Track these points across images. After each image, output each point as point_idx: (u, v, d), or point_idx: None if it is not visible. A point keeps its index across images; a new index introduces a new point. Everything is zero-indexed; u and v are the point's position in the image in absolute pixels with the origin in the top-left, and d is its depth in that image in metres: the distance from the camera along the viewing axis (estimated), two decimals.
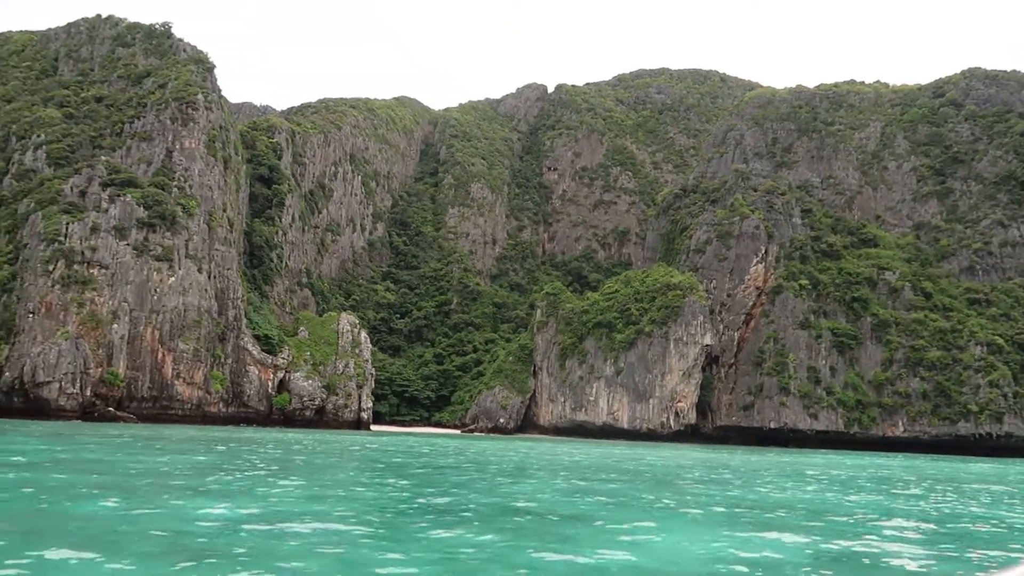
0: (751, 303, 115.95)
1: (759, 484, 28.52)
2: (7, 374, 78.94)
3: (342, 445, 49.18)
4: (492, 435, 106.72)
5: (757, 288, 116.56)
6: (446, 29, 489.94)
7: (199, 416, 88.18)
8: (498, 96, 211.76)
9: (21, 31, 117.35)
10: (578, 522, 15.44)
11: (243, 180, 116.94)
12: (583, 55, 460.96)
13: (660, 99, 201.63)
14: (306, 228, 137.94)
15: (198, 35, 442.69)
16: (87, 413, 78.64)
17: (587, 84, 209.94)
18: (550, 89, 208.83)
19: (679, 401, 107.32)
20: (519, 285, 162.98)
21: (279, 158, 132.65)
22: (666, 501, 21.12)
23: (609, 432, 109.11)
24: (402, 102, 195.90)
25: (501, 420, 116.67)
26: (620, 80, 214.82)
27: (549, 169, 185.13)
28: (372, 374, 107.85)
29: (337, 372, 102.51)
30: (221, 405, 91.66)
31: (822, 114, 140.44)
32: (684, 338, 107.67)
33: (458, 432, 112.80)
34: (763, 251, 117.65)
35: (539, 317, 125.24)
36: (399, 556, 10.66)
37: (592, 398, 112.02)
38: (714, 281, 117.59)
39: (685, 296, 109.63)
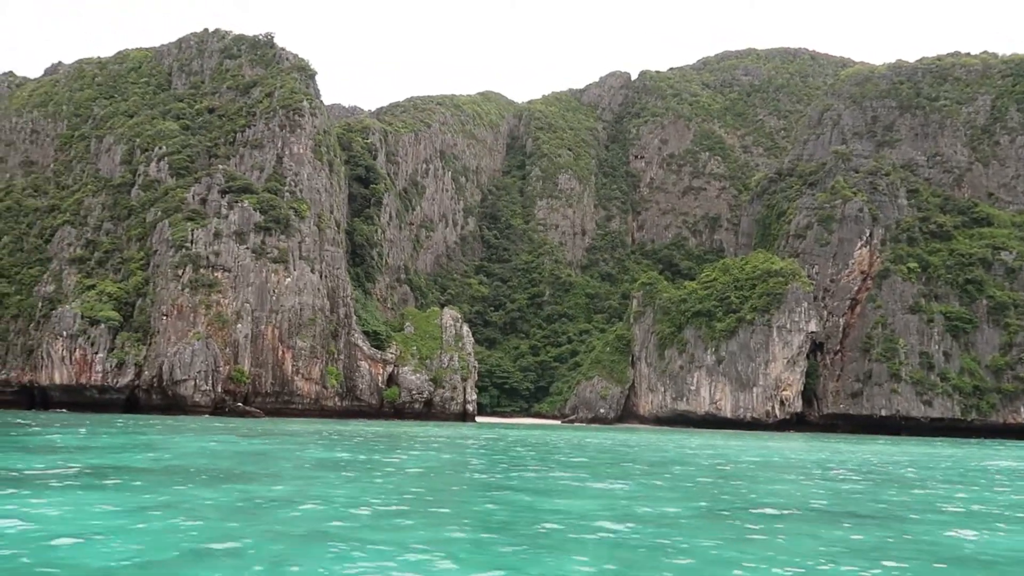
0: (856, 288, 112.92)
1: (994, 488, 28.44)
2: (146, 373, 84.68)
3: (538, 439, 49.94)
4: (593, 425, 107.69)
5: (862, 272, 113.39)
6: (527, 21, 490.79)
7: (317, 410, 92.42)
8: (581, 86, 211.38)
9: (137, 49, 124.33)
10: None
11: (343, 181, 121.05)
12: (665, 40, 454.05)
13: (747, 81, 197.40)
14: (402, 225, 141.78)
15: (298, 42, 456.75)
16: (218, 408, 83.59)
17: (671, 69, 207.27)
18: (633, 76, 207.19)
19: (784, 389, 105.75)
20: (610, 275, 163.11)
21: (374, 158, 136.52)
22: None
23: (712, 422, 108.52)
24: (487, 97, 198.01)
25: (601, 410, 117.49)
26: (705, 63, 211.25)
27: (636, 157, 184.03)
28: (475, 367, 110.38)
29: (442, 366, 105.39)
30: (336, 399, 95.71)
31: (925, 89, 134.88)
32: (788, 325, 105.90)
33: (558, 423, 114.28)
34: (867, 234, 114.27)
35: (635, 307, 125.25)
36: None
37: (693, 387, 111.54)
38: (816, 266, 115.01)
39: (787, 283, 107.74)
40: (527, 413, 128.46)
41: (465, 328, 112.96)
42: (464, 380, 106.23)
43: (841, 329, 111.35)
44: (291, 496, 17.43)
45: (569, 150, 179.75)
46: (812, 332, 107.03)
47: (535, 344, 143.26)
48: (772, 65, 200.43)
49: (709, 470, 29.76)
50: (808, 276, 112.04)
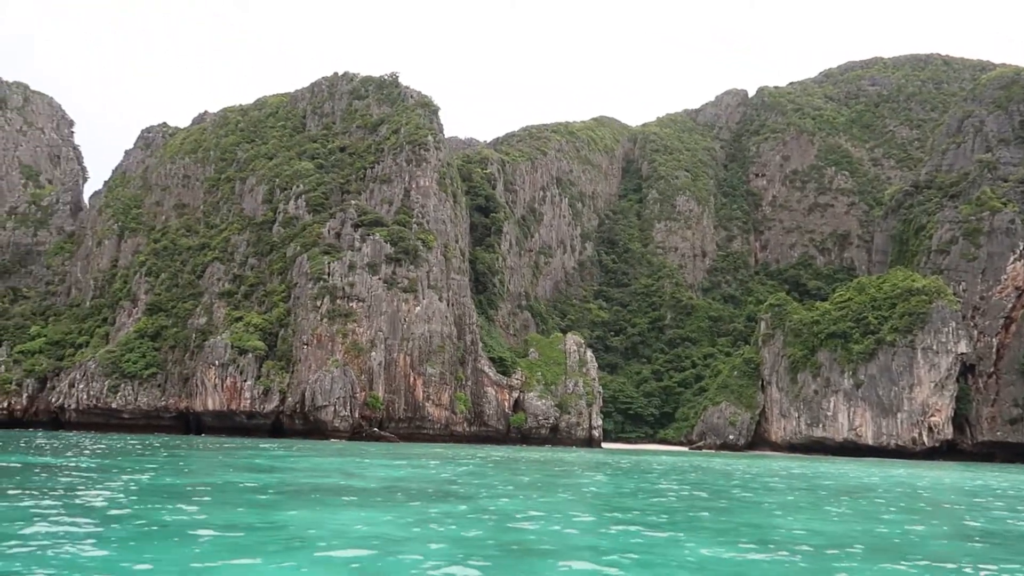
0: (1010, 305, 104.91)
1: None
2: (289, 399, 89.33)
3: (704, 466, 49.59)
4: (724, 452, 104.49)
5: (1016, 288, 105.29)
6: (638, 46, 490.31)
7: (447, 435, 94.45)
8: (696, 106, 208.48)
9: (274, 95, 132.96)
10: None
11: (464, 211, 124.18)
12: (783, 55, 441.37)
13: (874, 91, 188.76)
14: (521, 252, 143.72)
15: (418, 78, 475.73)
16: (355, 433, 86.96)
17: (791, 84, 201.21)
18: (751, 93, 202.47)
19: (932, 415, 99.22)
20: (733, 297, 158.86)
21: (493, 188, 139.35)
22: None
23: (851, 449, 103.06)
24: (601, 122, 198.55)
25: (730, 436, 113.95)
26: (827, 76, 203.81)
27: (756, 175, 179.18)
28: (600, 392, 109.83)
29: (567, 391, 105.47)
30: (465, 424, 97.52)
31: None
32: (934, 346, 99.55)
33: (686, 449, 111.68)
34: (1021, 247, 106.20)
35: (764, 329, 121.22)
36: None
37: (830, 413, 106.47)
38: (963, 283, 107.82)
39: (931, 301, 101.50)
40: (652, 439, 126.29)
41: (589, 353, 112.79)
42: (589, 406, 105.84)
43: (995, 350, 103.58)
44: (524, 508, 18.36)
45: (686, 171, 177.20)
46: (962, 353, 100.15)
47: (658, 369, 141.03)
48: (901, 73, 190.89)
49: (942, 499, 28.48)
50: (954, 294, 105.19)
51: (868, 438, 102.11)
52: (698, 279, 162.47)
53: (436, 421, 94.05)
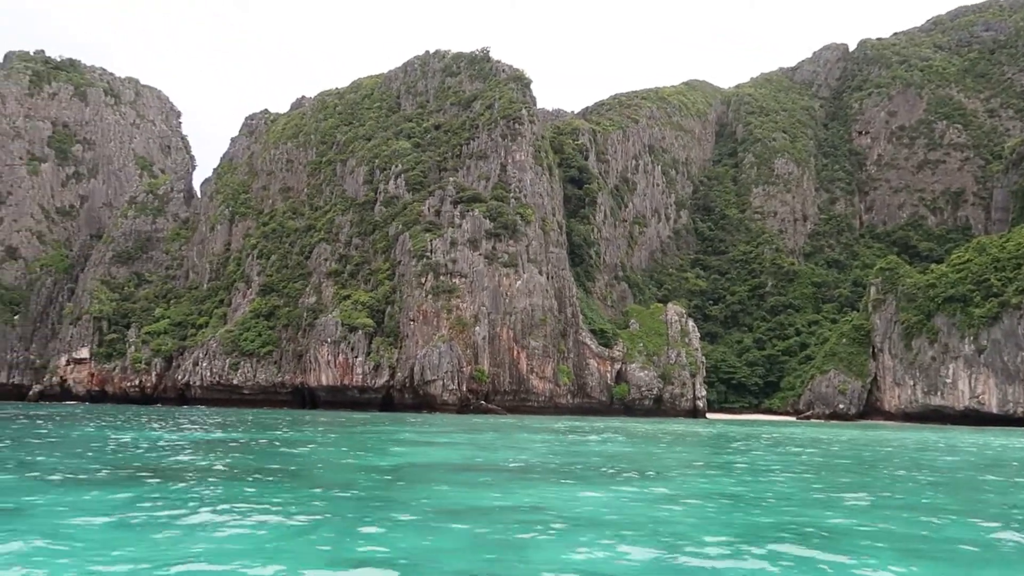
0: None
1: None
2: (399, 374, 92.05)
3: (855, 439, 47.64)
4: (833, 422, 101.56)
5: None
6: (727, 4, 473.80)
7: (551, 407, 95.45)
8: (792, 64, 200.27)
9: (368, 76, 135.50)
10: None
11: (558, 183, 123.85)
12: (886, 4, 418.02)
13: (989, 37, 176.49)
14: (616, 223, 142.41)
15: (508, 51, 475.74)
16: (463, 406, 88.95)
17: (895, 35, 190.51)
18: (851, 47, 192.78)
19: None
20: (837, 262, 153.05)
21: (585, 159, 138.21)
22: None
23: (973, 417, 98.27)
24: (691, 86, 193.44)
25: (840, 406, 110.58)
26: (935, 23, 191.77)
27: (860, 134, 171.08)
28: (703, 363, 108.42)
29: (670, 362, 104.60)
30: (568, 396, 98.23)
31: None
32: None
33: (793, 419, 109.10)
34: None
35: (874, 294, 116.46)
36: None
37: (949, 380, 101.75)
38: None
39: None
40: (756, 409, 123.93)
41: (691, 323, 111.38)
42: (693, 376, 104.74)
43: None
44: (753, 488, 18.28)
45: (784, 132, 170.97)
46: None
47: (760, 337, 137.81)
48: (1020, 16, 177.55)
49: None
50: None
51: (992, 406, 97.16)
52: (799, 244, 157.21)
53: (540, 394, 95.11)
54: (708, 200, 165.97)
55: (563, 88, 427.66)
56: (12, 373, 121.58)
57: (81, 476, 18.41)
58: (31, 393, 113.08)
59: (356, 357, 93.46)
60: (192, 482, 17.34)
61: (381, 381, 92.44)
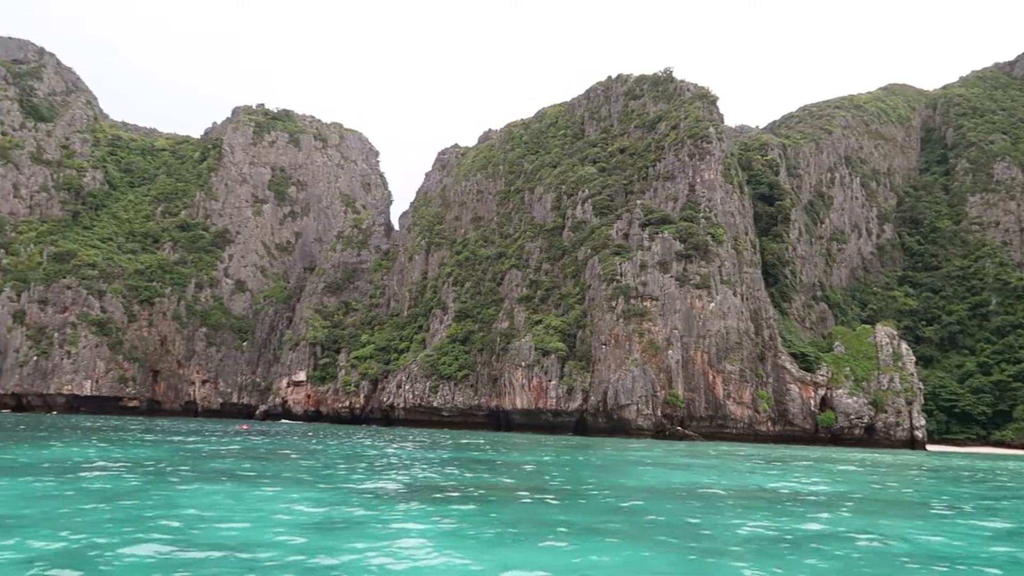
0: None
1: None
2: (592, 398, 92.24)
3: None
4: None
5: None
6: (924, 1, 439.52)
7: (750, 434, 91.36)
8: (1010, 57, 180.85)
9: (552, 105, 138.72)
10: None
11: (748, 201, 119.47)
12: None
13: None
14: (812, 240, 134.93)
15: (692, 70, 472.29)
16: (658, 432, 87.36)
17: None
18: None
19: None
20: None
21: (776, 174, 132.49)
22: None
23: None
24: (891, 91, 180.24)
25: None
26: None
27: None
28: (920, 389, 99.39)
29: (881, 388, 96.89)
30: (769, 424, 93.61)
31: None
32: None
33: None
34: None
35: None
36: None
37: None
38: None
39: None
40: (985, 441, 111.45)
41: (903, 346, 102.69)
42: (909, 403, 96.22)
43: None
44: None
45: (1004, 134, 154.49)
46: None
47: (985, 361, 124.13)
48: None
49: None
50: None
51: None
52: None
53: (739, 420, 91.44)
54: (915, 212, 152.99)
55: (746, 104, 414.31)
56: (242, 394, 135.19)
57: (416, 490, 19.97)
58: (257, 412, 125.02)
59: (550, 381, 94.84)
60: (506, 500, 18.38)
61: (575, 405, 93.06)
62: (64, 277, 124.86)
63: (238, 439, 48.00)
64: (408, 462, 31.09)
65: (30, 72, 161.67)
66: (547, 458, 38.33)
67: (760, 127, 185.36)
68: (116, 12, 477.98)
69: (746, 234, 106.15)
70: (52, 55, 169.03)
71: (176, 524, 13.45)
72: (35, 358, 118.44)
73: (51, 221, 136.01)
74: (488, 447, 48.02)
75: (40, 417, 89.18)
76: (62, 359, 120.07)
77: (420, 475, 25.24)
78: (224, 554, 11.08)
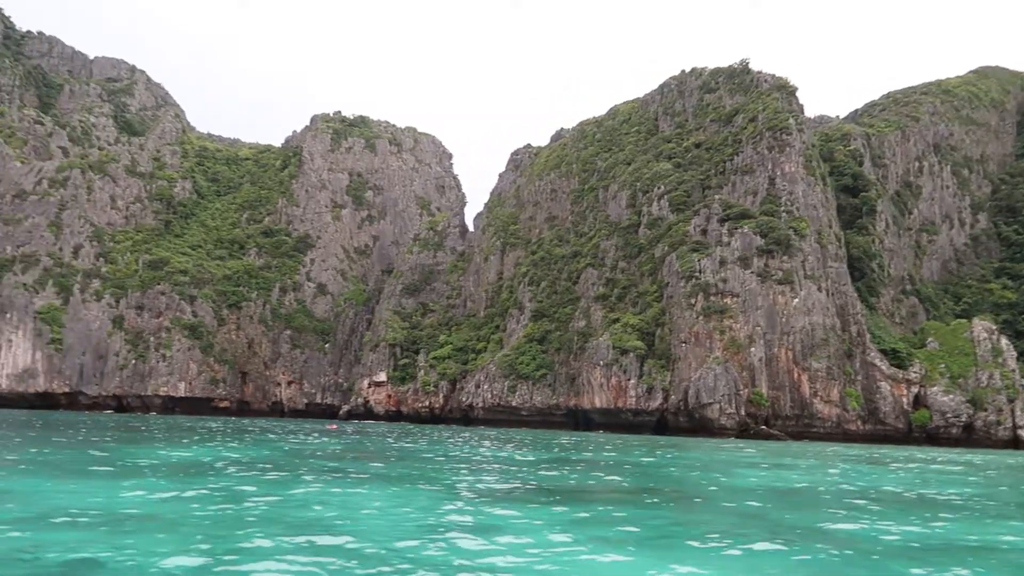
0: None
1: None
2: (672, 397, 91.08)
3: None
4: None
5: None
6: None
7: (839, 434, 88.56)
8: None
9: (624, 102, 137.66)
10: None
11: (831, 194, 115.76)
12: None
13: None
14: (900, 232, 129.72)
15: (769, 60, 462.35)
16: (742, 431, 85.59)
17: None
18: None
19: None
20: None
21: (860, 165, 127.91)
22: None
23: None
24: (982, 74, 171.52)
25: None
26: None
27: None
28: (1023, 386, 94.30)
29: (980, 385, 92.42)
30: (858, 422, 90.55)
31: None
32: None
33: None
34: None
35: None
36: None
37: None
38: None
39: None
40: None
41: (1004, 341, 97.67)
42: (1011, 401, 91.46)
43: None
44: None
45: None
46: None
47: None
48: None
49: None
50: None
51: None
52: None
53: (826, 419, 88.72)
54: (1013, 200, 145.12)
55: (823, 93, 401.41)
56: (325, 394, 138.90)
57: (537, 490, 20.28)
58: (340, 412, 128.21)
59: (629, 380, 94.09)
60: (625, 500, 18.48)
61: (655, 404, 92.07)
62: (158, 283, 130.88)
63: (335, 438, 49.44)
64: (508, 462, 31.42)
65: (123, 89, 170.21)
66: (647, 459, 38.06)
67: (840, 117, 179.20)
68: (194, 28, 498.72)
69: (830, 227, 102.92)
70: (143, 72, 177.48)
71: (319, 520, 14.00)
72: (133, 361, 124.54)
73: (145, 230, 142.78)
74: (579, 447, 48.06)
75: (144, 418, 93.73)
76: (158, 362, 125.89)
77: (526, 475, 25.46)
78: (376, 550, 11.38)
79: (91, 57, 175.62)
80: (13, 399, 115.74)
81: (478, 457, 34.19)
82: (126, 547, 11.28)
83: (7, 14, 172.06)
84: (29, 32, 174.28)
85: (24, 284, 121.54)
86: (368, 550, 11.52)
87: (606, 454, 40.28)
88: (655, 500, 19.22)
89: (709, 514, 16.83)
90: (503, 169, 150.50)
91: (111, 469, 23.17)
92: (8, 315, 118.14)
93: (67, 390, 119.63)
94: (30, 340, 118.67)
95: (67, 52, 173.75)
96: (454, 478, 23.47)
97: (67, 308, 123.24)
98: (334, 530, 13.12)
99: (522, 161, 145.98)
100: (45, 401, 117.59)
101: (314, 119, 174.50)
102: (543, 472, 26.76)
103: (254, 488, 18.90)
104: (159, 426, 62.50)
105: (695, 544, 12.80)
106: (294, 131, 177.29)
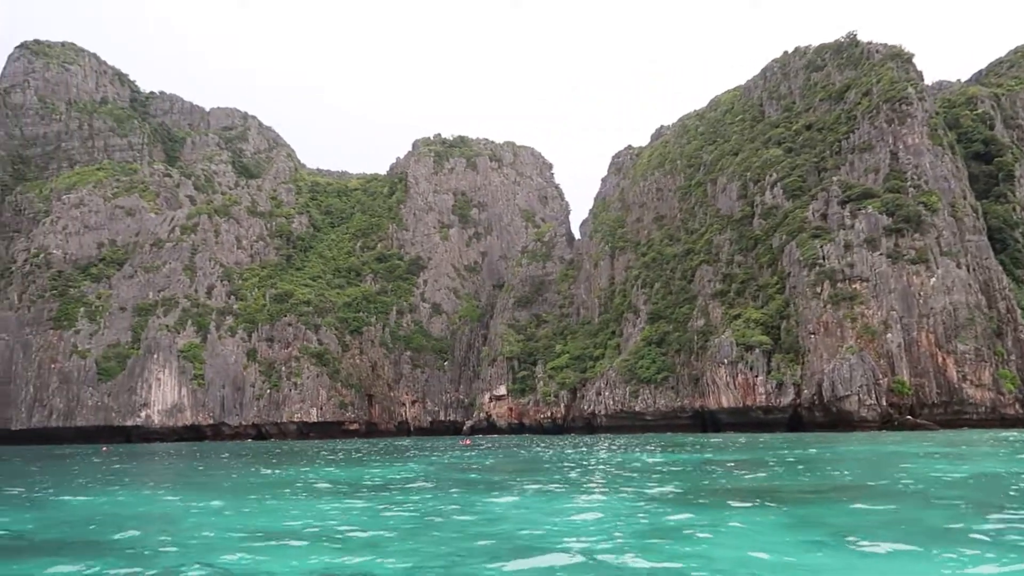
0: None
1: None
2: (805, 391, 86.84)
3: None
4: None
5: None
6: None
7: (995, 419, 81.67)
8: None
9: (725, 91, 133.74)
10: None
11: (962, 163, 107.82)
12: None
13: None
14: None
15: (877, 29, 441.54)
16: (885, 423, 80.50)
17: None
18: None
19: None
20: None
21: (991, 128, 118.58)
22: None
23: None
24: None
25: None
26: None
27: None
28: None
29: None
30: (1017, 406, 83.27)
31: None
32: None
33: None
34: None
35: None
36: None
37: None
38: None
39: None
40: None
41: None
42: None
43: None
44: None
45: None
46: None
47: None
48: None
49: None
50: None
51: None
52: None
53: (979, 404, 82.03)
54: None
55: (937, 60, 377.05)
56: (447, 411, 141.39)
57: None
58: (465, 427, 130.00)
59: (756, 376, 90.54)
60: (812, 500, 17.77)
61: (787, 400, 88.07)
62: (285, 315, 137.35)
63: (475, 453, 49.92)
64: (662, 467, 30.45)
65: (238, 136, 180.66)
66: (808, 454, 36.12)
67: (963, 80, 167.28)
68: (294, 69, 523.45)
69: (964, 199, 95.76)
70: (254, 117, 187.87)
71: (508, 533, 14.05)
72: (268, 391, 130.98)
73: (269, 266, 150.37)
74: (721, 448, 46.34)
75: (288, 443, 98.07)
76: (290, 390, 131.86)
77: (690, 478, 24.56)
78: (581, 560, 11.13)
79: (207, 109, 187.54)
80: (164, 433, 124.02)
81: (619, 461, 33.45)
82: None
83: (132, 79, 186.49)
84: (152, 93, 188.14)
85: (167, 326, 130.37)
86: (561, 558, 11.38)
87: (765, 453, 38.43)
88: (844, 498, 18.06)
89: (949, 509, 15.51)
90: (604, 174, 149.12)
91: (343, 487, 23.97)
92: (155, 355, 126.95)
93: (211, 422, 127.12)
94: (175, 377, 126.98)
95: (186, 107, 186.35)
96: (616, 484, 22.88)
97: (205, 345, 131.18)
98: (558, 546, 12.79)
99: (624, 163, 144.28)
100: (192, 433, 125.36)
101: (415, 144, 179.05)
102: (706, 473, 25.76)
103: (440, 503, 19.09)
104: (313, 449, 65.12)
105: (982, 538, 11.81)
106: (397, 157, 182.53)
